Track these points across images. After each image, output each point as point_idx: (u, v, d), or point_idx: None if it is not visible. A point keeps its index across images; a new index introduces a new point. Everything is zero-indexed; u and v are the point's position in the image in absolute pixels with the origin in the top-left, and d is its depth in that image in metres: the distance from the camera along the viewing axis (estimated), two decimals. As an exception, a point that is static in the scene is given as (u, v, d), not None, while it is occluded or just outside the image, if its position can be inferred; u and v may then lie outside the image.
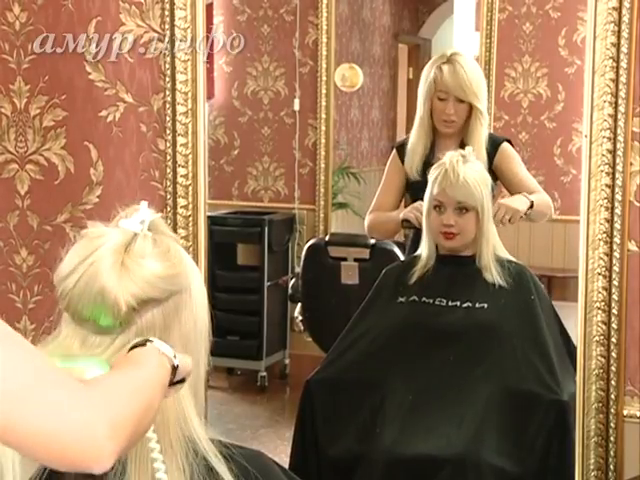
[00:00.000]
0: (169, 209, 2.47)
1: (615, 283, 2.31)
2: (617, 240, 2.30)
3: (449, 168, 2.72)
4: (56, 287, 1.17)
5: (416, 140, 3.14)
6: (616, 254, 2.30)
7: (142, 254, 1.15)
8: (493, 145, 3.13)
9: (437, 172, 2.76)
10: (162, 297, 1.16)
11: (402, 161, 3.18)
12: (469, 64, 3.10)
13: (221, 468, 1.18)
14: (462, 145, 3.06)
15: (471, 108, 3.07)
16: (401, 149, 3.19)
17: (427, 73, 3.11)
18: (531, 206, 2.98)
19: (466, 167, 2.73)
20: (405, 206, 3.17)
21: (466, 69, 3.07)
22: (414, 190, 3.11)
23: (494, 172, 3.06)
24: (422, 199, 2.85)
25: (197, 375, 1.23)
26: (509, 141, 3.22)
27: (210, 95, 5.25)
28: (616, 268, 2.30)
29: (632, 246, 2.32)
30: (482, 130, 3.09)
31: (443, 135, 3.14)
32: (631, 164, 2.29)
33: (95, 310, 1.13)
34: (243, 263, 5.31)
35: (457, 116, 3.08)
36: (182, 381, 1.14)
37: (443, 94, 3.06)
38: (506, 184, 3.19)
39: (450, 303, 2.72)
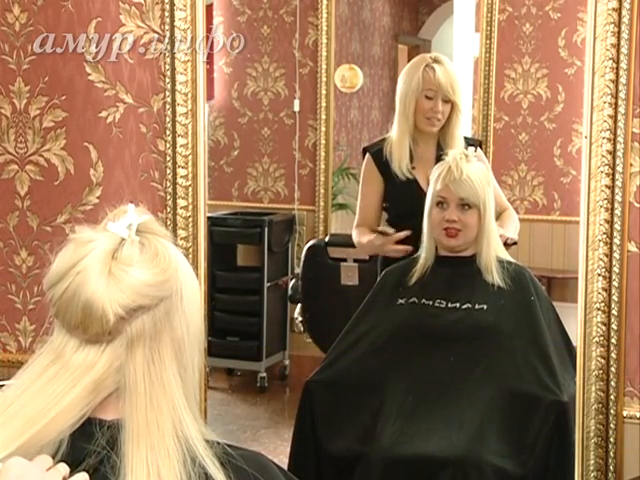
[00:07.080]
0: (169, 210, 2.46)
1: (615, 284, 2.30)
2: (617, 241, 2.29)
3: (453, 165, 2.75)
4: (46, 293, 1.16)
5: (400, 138, 3.13)
6: (616, 255, 2.30)
7: (129, 261, 1.13)
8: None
9: (440, 169, 2.78)
10: (151, 304, 1.14)
11: (378, 167, 3.16)
12: (452, 66, 3.20)
13: (219, 477, 1.16)
14: (439, 146, 3.13)
15: (452, 109, 3.11)
16: (377, 154, 3.17)
17: (412, 73, 3.13)
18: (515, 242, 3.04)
19: (469, 165, 2.77)
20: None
21: (453, 70, 3.16)
22: (394, 197, 3.12)
23: None
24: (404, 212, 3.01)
25: (192, 378, 1.21)
26: (480, 145, 3.27)
27: (210, 96, 5.25)
28: (616, 269, 2.30)
29: (632, 247, 2.31)
30: (459, 131, 3.16)
31: (423, 134, 3.15)
32: (631, 165, 2.28)
33: (83, 319, 1.12)
34: (243, 264, 5.31)
35: (442, 115, 3.11)
36: None
37: (432, 92, 3.09)
38: None
39: (450, 304, 2.72)
